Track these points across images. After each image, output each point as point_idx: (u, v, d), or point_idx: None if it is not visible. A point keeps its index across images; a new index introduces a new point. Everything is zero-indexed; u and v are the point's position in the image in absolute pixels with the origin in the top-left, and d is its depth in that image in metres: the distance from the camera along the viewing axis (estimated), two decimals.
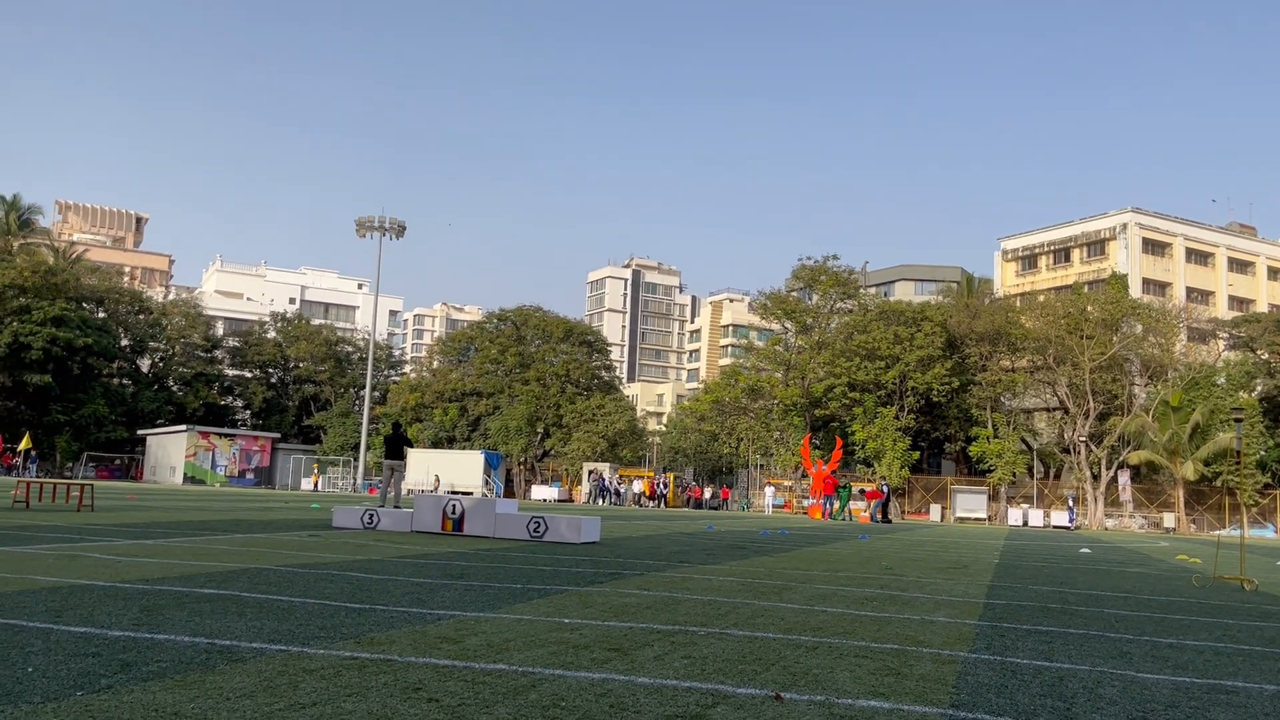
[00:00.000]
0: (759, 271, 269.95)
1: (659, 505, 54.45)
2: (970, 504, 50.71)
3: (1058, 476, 55.07)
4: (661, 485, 56.70)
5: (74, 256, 73.30)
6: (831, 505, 42.24)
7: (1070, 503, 48.07)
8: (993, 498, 51.79)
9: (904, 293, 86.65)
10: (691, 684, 4.29)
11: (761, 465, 59.92)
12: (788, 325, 59.88)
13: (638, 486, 56.55)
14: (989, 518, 50.40)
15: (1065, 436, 53.55)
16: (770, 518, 40.67)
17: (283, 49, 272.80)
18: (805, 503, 49.70)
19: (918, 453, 54.59)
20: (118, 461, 66.84)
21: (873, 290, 76.19)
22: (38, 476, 45.94)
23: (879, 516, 39.93)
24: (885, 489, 42.67)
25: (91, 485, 19.58)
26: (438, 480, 53.87)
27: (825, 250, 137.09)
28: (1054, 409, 56.24)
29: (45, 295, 62.54)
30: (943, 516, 50.47)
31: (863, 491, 45.99)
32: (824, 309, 59.71)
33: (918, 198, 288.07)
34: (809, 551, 15.51)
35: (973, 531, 33.23)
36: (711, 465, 69.45)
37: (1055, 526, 45.58)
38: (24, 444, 53.96)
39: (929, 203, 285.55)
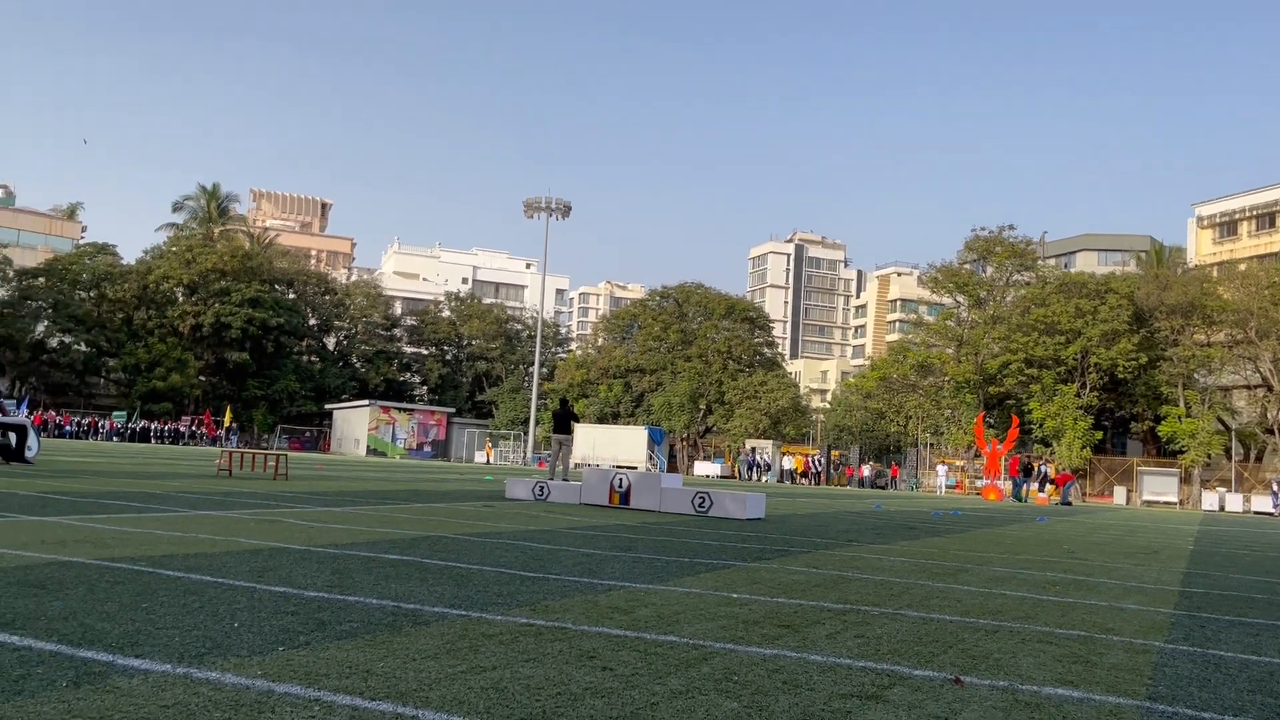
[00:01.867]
0: (928, 244, 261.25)
1: (812, 483, 53.63)
2: (1159, 487, 47.76)
3: (1259, 459, 51.13)
4: (817, 462, 55.78)
5: (267, 242, 78.27)
6: (1018, 487, 40.53)
7: (1274, 487, 44.52)
8: (1184, 480, 48.59)
9: (1086, 263, 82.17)
10: (866, 664, 4.20)
11: (931, 444, 58.26)
12: (960, 299, 57.90)
13: (789, 463, 55.86)
14: (1180, 502, 47.35)
15: (1269, 416, 49.67)
16: (942, 498, 39.51)
17: (448, 38, 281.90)
18: (978, 483, 48.05)
19: (1100, 432, 51.85)
20: (307, 434, 71.18)
21: (1052, 261, 72.71)
22: (238, 447, 49.51)
23: (1066, 499, 38.01)
24: (1044, 471, 40.72)
25: (286, 455, 20.93)
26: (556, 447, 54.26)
27: (1000, 220, 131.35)
28: (1255, 386, 52.18)
29: (242, 278, 67.14)
30: (1128, 500, 47.76)
31: (1047, 473, 43.93)
32: (999, 281, 57.40)
33: (1101, 163, 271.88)
34: (984, 533, 14.97)
35: (1162, 516, 31.33)
36: (878, 444, 68.07)
37: (1256, 512, 42.41)
38: (226, 417, 58.39)
39: (1114, 168, 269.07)
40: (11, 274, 65.13)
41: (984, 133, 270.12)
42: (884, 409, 60.95)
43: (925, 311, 75.23)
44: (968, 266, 58.42)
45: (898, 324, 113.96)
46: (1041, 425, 49.80)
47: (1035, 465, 44.02)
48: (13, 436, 16.55)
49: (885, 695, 3.65)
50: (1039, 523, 19.73)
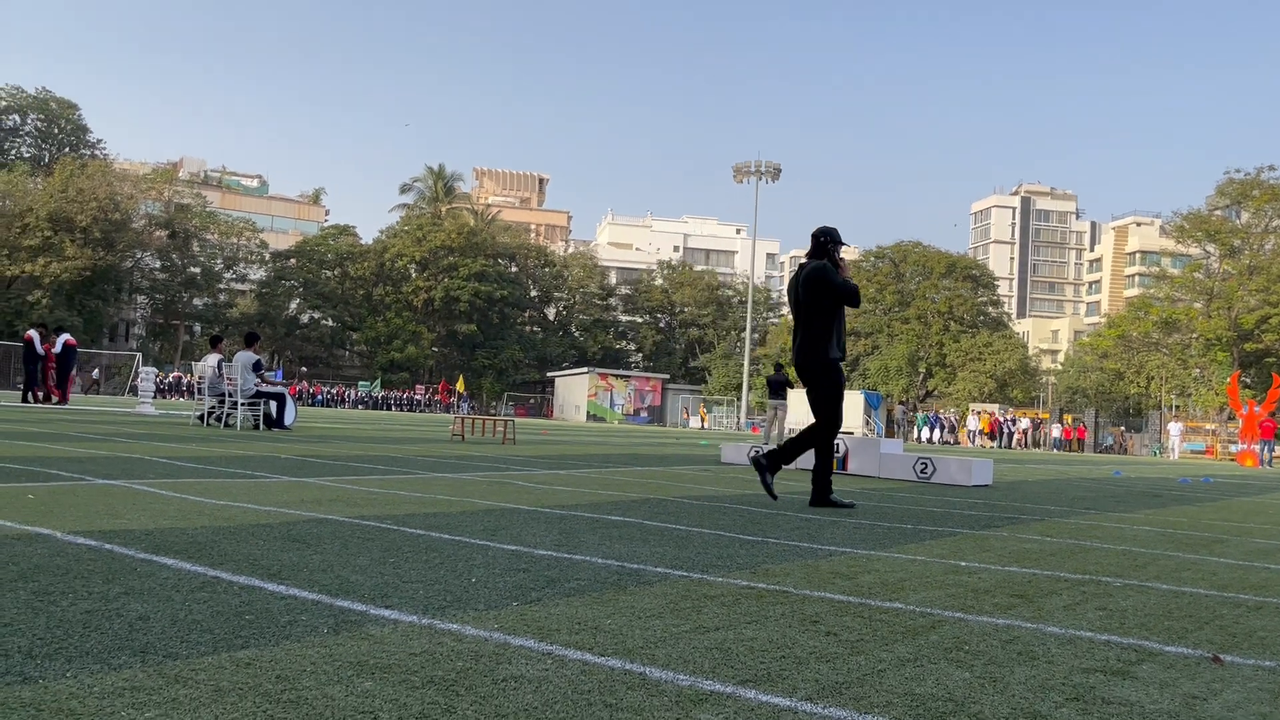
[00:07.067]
0: (1171, 191, 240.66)
1: (999, 445, 50.80)
2: None
3: None
4: (1010, 423, 52.68)
5: (490, 218, 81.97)
6: (1271, 451, 36.94)
7: None
8: None
9: None
10: (1109, 637, 3.95)
11: (1177, 406, 54.01)
12: (1210, 249, 53.31)
13: (974, 423, 53.04)
14: None
15: None
16: (1177, 463, 36.58)
17: (653, 8, 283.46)
18: (1231, 448, 44.16)
19: None
20: (531, 400, 74.34)
21: None
22: (470, 414, 52.47)
23: None
24: None
25: (513, 421, 21.93)
26: None
27: (1257, 160, 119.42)
28: None
29: (469, 254, 70.68)
30: None
31: None
32: (1256, 228, 52.34)
33: None
34: (1241, 502, 13.75)
35: None
36: (1116, 406, 63.80)
37: None
38: (459, 386, 62.04)
39: None
40: (268, 256, 71.36)
41: (1233, 63, 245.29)
42: (1123, 369, 57.05)
43: (1169, 264, 69.66)
44: (1219, 213, 53.60)
45: (1137, 278, 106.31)
46: None
47: None
48: (274, 405, 18.17)
49: (1133, 671, 3.42)
50: None
